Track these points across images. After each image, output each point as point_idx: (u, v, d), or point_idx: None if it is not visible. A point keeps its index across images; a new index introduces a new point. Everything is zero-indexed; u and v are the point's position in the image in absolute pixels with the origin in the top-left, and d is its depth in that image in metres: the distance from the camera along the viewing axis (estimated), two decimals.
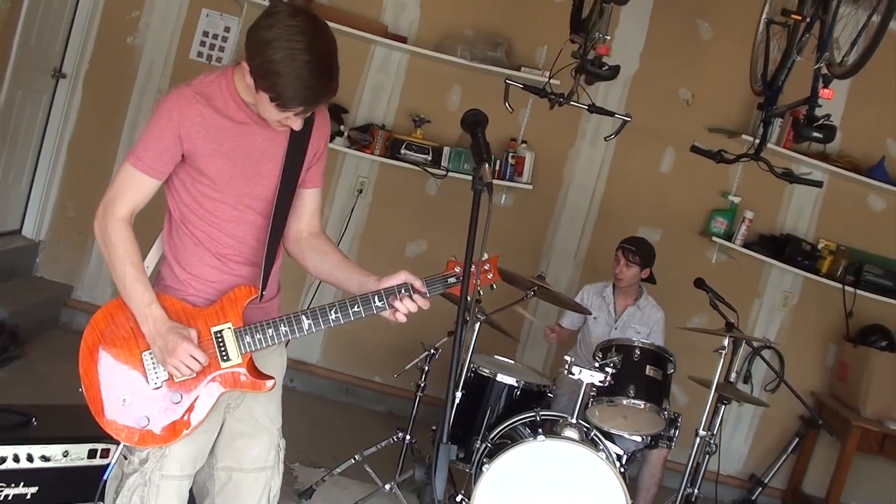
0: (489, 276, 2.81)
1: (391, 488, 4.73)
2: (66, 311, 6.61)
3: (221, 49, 6.48)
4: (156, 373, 2.70)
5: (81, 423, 3.24)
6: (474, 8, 6.47)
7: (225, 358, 2.71)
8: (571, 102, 4.83)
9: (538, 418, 4.52)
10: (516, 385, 4.80)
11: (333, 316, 2.70)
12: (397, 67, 6.52)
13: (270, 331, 2.71)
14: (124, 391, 2.70)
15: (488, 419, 4.72)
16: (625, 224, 6.40)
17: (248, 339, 2.71)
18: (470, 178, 6.20)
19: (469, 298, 2.50)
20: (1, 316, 5.59)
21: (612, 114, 4.87)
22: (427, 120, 6.35)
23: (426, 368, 4.91)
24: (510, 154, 6.34)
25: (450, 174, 6.30)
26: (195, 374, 2.67)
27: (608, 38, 4.32)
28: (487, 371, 4.81)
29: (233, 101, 2.69)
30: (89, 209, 6.31)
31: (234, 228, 2.77)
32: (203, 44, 6.50)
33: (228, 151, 2.69)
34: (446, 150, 6.29)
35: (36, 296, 6.37)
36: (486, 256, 2.80)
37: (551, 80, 4.99)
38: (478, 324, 4.60)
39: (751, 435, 6.81)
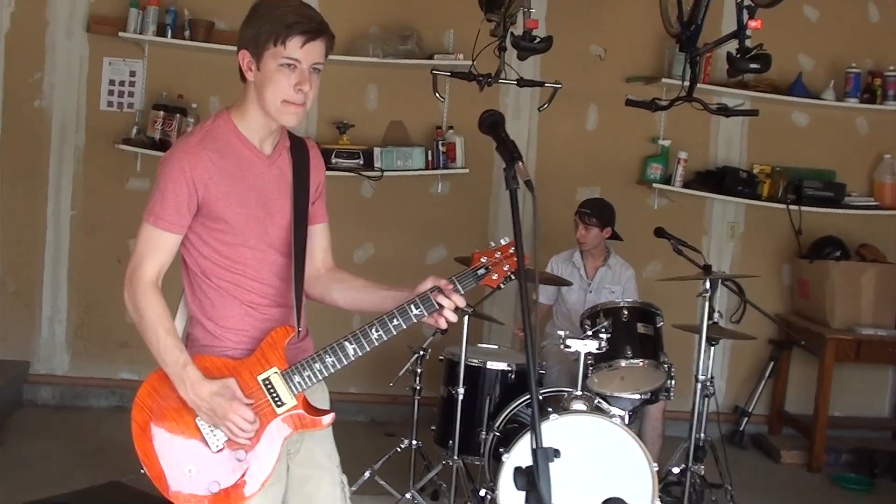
0: (515, 259, 2.78)
1: (412, 496, 4.83)
2: (28, 387, 6.66)
3: (131, 94, 6.54)
4: (214, 436, 2.69)
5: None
6: (375, 4, 6.59)
7: (279, 403, 2.71)
8: (500, 80, 4.94)
9: (539, 397, 4.57)
10: (509, 369, 4.92)
11: (376, 335, 2.68)
12: None
13: (317, 365, 2.71)
14: (188, 461, 2.70)
15: (488, 409, 4.82)
16: (563, 188, 6.61)
17: (297, 378, 2.71)
18: (405, 173, 6.40)
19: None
20: None
21: (542, 84, 5.01)
22: (351, 124, 6.47)
23: (418, 370, 4.99)
24: (440, 142, 6.47)
25: (385, 174, 6.39)
26: (254, 431, 2.67)
27: (533, 10, 4.42)
28: (476, 361, 4.92)
29: (237, 140, 2.73)
30: (30, 280, 6.36)
31: (258, 271, 2.77)
32: (111, 92, 6.56)
33: (241, 193, 2.72)
34: (377, 150, 6.42)
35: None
36: (504, 242, 2.82)
37: (474, 63, 5.08)
38: (466, 317, 4.67)
39: (725, 368, 7.04)
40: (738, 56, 3.96)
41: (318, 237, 2.96)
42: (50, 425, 6.17)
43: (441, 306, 2.70)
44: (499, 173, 6.64)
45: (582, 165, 6.79)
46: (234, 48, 6.19)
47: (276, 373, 2.71)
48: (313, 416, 2.75)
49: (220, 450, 2.69)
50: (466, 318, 4.69)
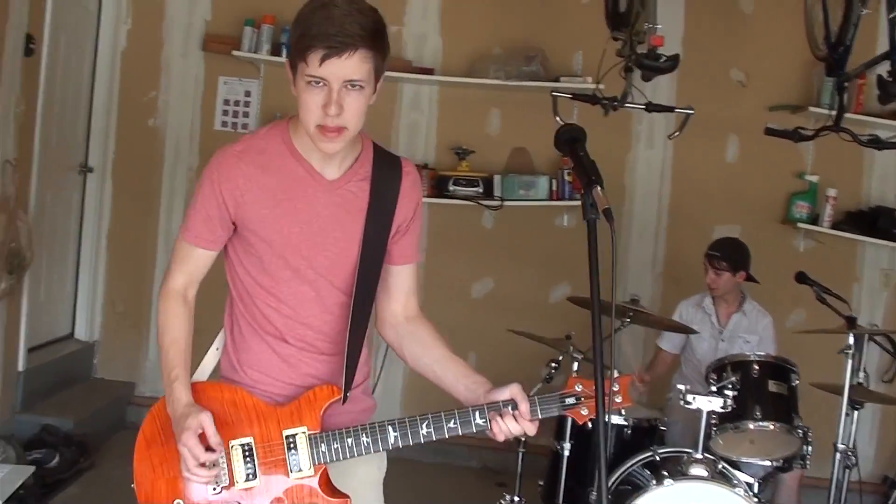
0: (617, 400, 2.42)
1: None
2: (132, 409, 6.61)
3: (245, 115, 6.45)
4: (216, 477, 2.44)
5: None
6: (498, 25, 6.39)
7: (296, 468, 2.42)
8: (627, 104, 4.61)
9: (657, 458, 4.27)
10: (625, 424, 4.58)
11: (425, 431, 2.38)
12: (429, 101, 6.44)
13: (350, 440, 2.41)
14: (179, 493, 2.44)
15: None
16: (699, 225, 6.23)
17: (323, 448, 2.42)
18: (527, 203, 6.11)
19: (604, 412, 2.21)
20: (66, 428, 5.60)
21: (671, 109, 4.68)
22: (471, 150, 6.24)
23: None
24: (565, 171, 6.15)
25: (505, 203, 6.09)
26: (206, 474, 2.35)
27: (659, 27, 4.09)
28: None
29: (290, 155, 2.45)
30: (139, 301, 6.31)
31: (296, 310, 2.50)
32: (226, 112, 6.49)
33: (283, 215, 2.44)
34: (497, 178, 6.19)
35: (99, 399, 6.40)
36: (616, 374, 2.43)
37: (599, 85, 4.75)
38: (575, 363, 4.37)
39: (875, 434, 6.49)
40: (891, 79, 3.54)
41: (401, 278, 2.63)
42: None
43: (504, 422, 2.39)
44: (630, 205, 6.34)
45: (720, 201, 6.38)
46: None
47: (303, 433, 2.44)
48: (326, 498, 2.43)
49: (218, 492, 2.42)
50: (576, 364, 4.34)
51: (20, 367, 5.60)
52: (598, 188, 2.13)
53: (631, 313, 4.43)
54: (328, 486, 2.44)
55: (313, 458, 2.41)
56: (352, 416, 2.50)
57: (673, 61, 4.18)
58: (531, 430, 2.38)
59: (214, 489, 2.41)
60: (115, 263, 6.63)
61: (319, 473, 2.42)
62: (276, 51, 6.18)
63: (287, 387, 2.50)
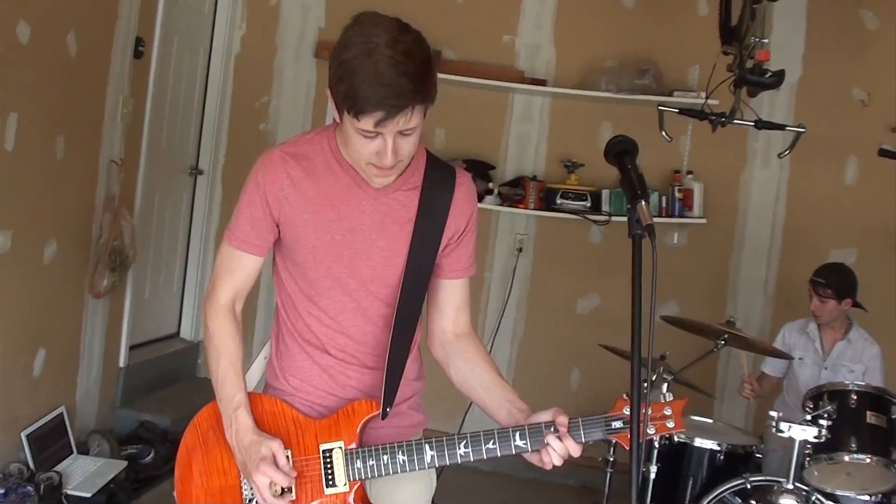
0: (668, 425, 2.31)
1: None
2: None
3: None
4: (250, 489, 2.42)
5: None
6: (613, 36, 6.30)
7: (330, 483, 2.37)
8: (735, 121, 4.50)
9: (748, 485, 4.17)
10: (718, 449, 4.47)
11: (462, 451, 2.32)
12: (540, 112, 6.38)
13: (386, 457, 2.35)
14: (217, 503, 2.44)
15: (691, 490, 4.43)
16: (814, 248, 6.04)
17: (358, 464, 2.36)
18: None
19: (640, 440, 2.04)
20: (163, 425, 5.69)
21: (782, 127, 4.54)
22: (580, 163, 6.17)
23: (613, 441, 4.55)
24: (676, 188, 6.05)
25: (613, 219, 6.01)
26: (278, 502, 2.33)
27: (766, 41, 3.98)
28: (683, 436, 4.50)
29: (334, 161, 2.38)
30: (245, 303, 6.33)
31: (336, 318, 2.45)
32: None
33: (326, 223, 2.38)
34: (605, 192, 6.11)
35: (200, 398, 6.28)
36: (669, 398, 2.34)
37: (709, 100, 4.65)
38: (665, 384, 4.27)
39: None
40: None
41: (451, 293, 2.55)
42: None
43: (548, 444, 2.29)
44: (743, 226, 6.19)
45: (837, 224, 6.19)
46: (462, 79, 6.00)
47: (340, 448, 2.39)
48: None
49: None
50: (665, 385, 4.27)
51: (121, 363, 5.72)
52: (643, 203, 2.08)
53: (725, 335, 4.30)
54: (363, 501, 2.39)
55: (348, 474, 2.36)
56: (397, 430, 2.46)
57: (778, 77, 4.05)
58: (575, 450, 2.28)
59: (250, 500, 2.40)
60: (211, 266, 6.64)
61: (354, 489, 2.37)
62: None
63: (328, 397, 2.47)
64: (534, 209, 6.12)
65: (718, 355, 6.14)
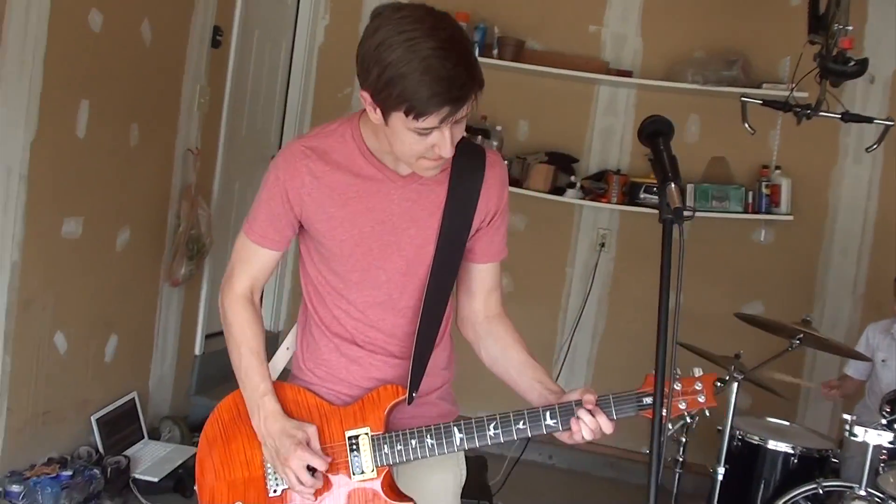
0: (699, 400, 2.24)
1: None
2: None
3: None
4: (276, 479, 2.39)
5: None
6: (702, 26, 6.15)
7: (358, 470, 2.33)
8: (820, 113, 4.32)
9: (820, 490, 4.04)
10: (792, 452, 4.35)
11: (492, 432, 2.26)
12: (625, 105, 6.25)
13: (414, 442, 2.30)
14: (240, 495, 2.40)
15: (763, 493, 4.31)
16: None
17: (386, 449, 2.32)
18: (720, 215, 5.85)
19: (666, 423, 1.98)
20: None
21: (869, 120, 4.38)
22: None
23: (683, 440, 4.45)
24: (763, 183, 5.88)
25: (696, 214, 5.82)
26: (314, 487, 2.31)
27: (850, 28, 3.81)
28: (757, 438, 4.40)
29: (358, 153, 2.32)
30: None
31: (365, 313, 2.39)
32: None
33: (353, 215, 2.31)
34: (689, 187, 5.93)
35: None
36: (699, 373, 2.26)
37: (797, 92, 4.48)
38: (735, 384, 4.12)
39: None
40: None
41: (484, 276, 2.49)
42: None
43: (579, 417, 2.22)
44: (833, 223, 5.99)
45: None
46: (547, 69, 5.89)
47: (366, 434, 2.34)
48: (389, 501, 2.32)
49: (277, 495, 2.37)
50: (736, 385, 4.12)
51: (197, 351, 5.79)
52: (673, 185, 2.02)
53: (800, 335, 4.15)
54: (392, 488, 2.35)
55: (375, 460, 2.32)
56: (425, 420, 2.37)
57: (861, 66, 3.89)
58: (607, 426, 2.20)
59: (275, 490, 2.37)
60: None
61: (382, 475, 2.32)
62: None
63: (353, 388, 2.41)
64: (616, 203, 6.00)
65: (804, 357, 5.98)
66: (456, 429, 2.28)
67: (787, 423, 4.82)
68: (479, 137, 6.09)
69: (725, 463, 4.24)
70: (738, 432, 4.41)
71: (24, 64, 4.00)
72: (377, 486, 2.32)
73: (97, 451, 4.58)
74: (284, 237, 2.39)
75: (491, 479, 5.26)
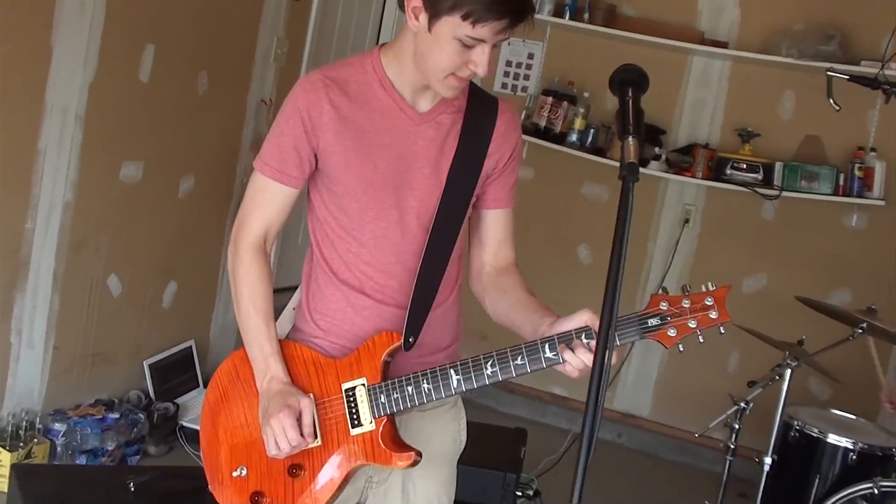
0: (711, 316, 2.07)
1: None
2: None
3: (526, 77, 6.32)
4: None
5: None
6: None
7: (356, 422, 2.26)
8: None
9: (876, 490, 3.85)
10: (851, 447, 4.13)
11: (490, 371, 2.13)
12: (719, 77, 6.02)
13: (410, 388, 2.21)
14: (242, 459, 2.35)
15: (817, 488, 4.11)
16: None
17: (382, 399, 2.23)
18: (809, 196, 5.59)
19: (613, 346, 1.76)
20: None
21: None
22: (756, 133, 5.79)
23: (736, 426, 4.25)
24: (856, 165, 5.56)
25: (783, 193, 5.59)
26: (283, 455, 2.26)
27: None
28: (817, 430, 4.19)
29: (379, 85, 2.27)
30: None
31: (376, 256, 2.30)
32: (507, 74, 6.38)
33: (369, 149, 2.26)
34: (778, 165, 5.68)
35: None
36: (711, 287, 2.10)
37: (886, 69, 4.21)
38: (788, 370, 3.92)
39: None
40: None
41: (494, 224, 2.44)
42: None
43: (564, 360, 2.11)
44: None
45: None
46: (639, 36, 5.66)
47: (363, 385, 2.26)
48: (389, 451, 2.23)
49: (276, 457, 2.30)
50: (790, 372, 3.91)
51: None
52: (631, 139, 1.88)
53: (863, 324, 3.91)
54: (393, 440, 2.25)
55: (373, 411, 2.23)
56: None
57: None
58: (590, 360, 2.03)
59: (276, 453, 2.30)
60: None
61: (381, 426, 2.23)
62: (558, 11, 5.95)
63: (358, 340, 2.31)
64: (701, 178, 5.78)
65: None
66: (452, 370, 2.18)
67: (854, 418, 4.58)
68: (565, 103, 5.95)
69: (783, 454, 4.11)
70: (797, 423, 4.23)
71: (85, 4, 4.01)
72: (378, 437, 2.24)
73: (147, 396, 4.62)
74: (302, 172, 2.30)
75: (550, 453, 5.16)
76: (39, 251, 4.13)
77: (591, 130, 5.97)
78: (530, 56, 6.29)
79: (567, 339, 2.09)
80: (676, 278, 6.10)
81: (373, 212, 2.28)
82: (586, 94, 6.02)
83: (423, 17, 2.10)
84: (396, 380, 2.23)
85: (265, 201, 2.34)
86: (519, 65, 6.32)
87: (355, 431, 2.25)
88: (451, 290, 2.41)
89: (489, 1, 2.01)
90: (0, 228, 3.99)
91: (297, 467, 2.29)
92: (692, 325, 2.05)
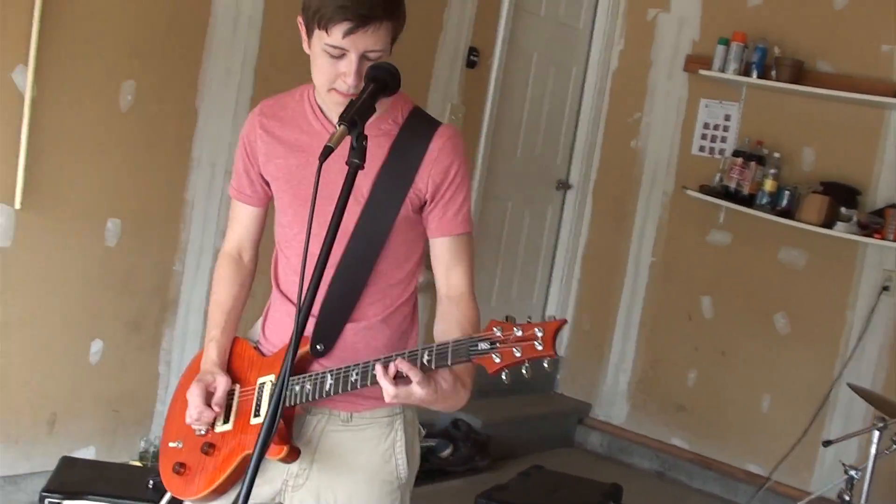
0: (536, 347, 1.97)
1: None
2: (582, 429, 6.72)
3: (723, 140, 6.22)
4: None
5: None
6: None
7: (257, 413, 2.44)
8: None
9: None
10: None
11: (354, 377, 2.20)
12: None
13: (298, 387, 2.31)
14: (182, 434, 2.58)
15: None
16: None
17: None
18: None
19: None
20: (475, 425, 5.88)
21: None
22: None
23: (847, 498, 3.88)
24: None
25: None
26: (200, 425, 2.49)
27: None
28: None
29: (309, 109, 2.46)
30: (604, 321, 6.35)
31: (299, 265, 2.34)
32: (704, 136, 6.31)
33: (296, 169, 2.43)
34: None
35: (535, 409, 6.47)
36: (552, 317, 2.04)
37: None
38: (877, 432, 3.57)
39: None
40: None
41: (440, 252, 2.46)
42: (591, 470, 5.78)
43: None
44: None
45: None
46: (828, 92, 5.46)
47: (271, 381, 2.44)
48: (272, 444, 2.31)
49: (202, 434, 2.51)
50: (878, 433, 3.54)
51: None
52: (340, 127, 2.05)
53: None
54: (278, 434, 2.33)
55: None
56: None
57: None
58: (389, 388, 2.08)
59: (199, 432, 2.52)
60: (586, 280, 6.83)
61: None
62: (745, 70, 5.79)
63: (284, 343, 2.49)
64: (892, 240, 5.34)
65: None
66: (329, 375, 2.26)
67: None
68: (753, 164, 5.75)
69: None
70: None
71: (231, 70, 4.41)
72: None
73: None
74: (256, 193, 2.57)
75: None
76: (189, 290, 4.65)
77: (786, 192, 5.70)
78: (727, 118, 6.14)
79: (387, 362, 2.13)
80: (877, 351, 5.65)
81: (297, 227, 2.45)
82: (777, 154, 5.79)
83: (305, 38, 2.30)
84: (295, 377, 2.35)
85: (234, 218, 2.66)
86: (716, 127, 6.20)
87: (254, 421, 2.43)
88: (379, 312, 2.46)
89: (336, 5, 2.15)
90: (152, 269, 4.53)
91: (210, 445, 2.50)
92: (517, 353, 1.99)
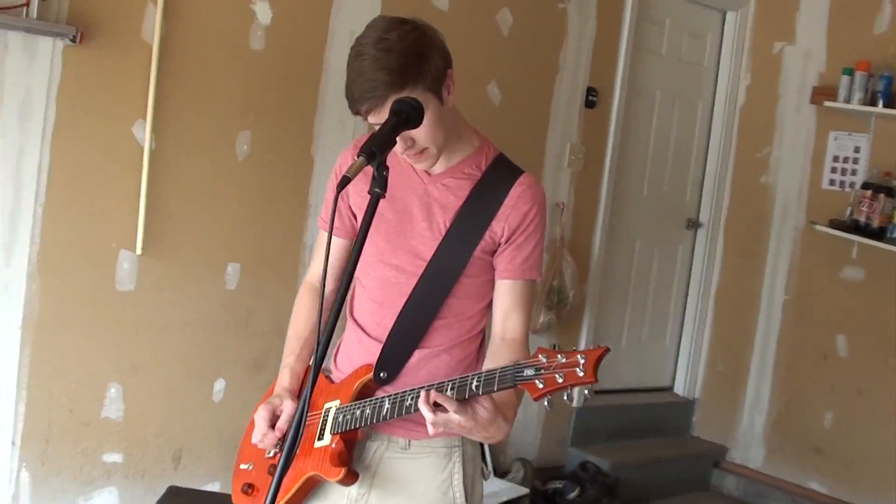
0: (578, 374, 2.04)
1: None
2: (718, 473, 6.57)
3: (853, 172, 6.07)
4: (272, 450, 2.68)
5: None
6: None
7: (321, 437, 2.51)
8: None
9: None
10: None
11: (409, 401, 2.30)
12: None
13: (358, 411, 2.43)
14: (253, 456, 2.68)
15: None
16: None
17: (341, 418, 2.47)
18: None
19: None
20: (603, 467, 5.84)
21: None
22: None
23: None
24: None
25: None
26: (266, 445, 2.58)
27: None
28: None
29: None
30: (739, 362, 6.29)
31: (376, 293, 2.57)
32: (834, 170, 6.18)
33: (383, 203, 2.43)
34: None
35: (660, 451, 6.39)
36: (586, 346, 2.19)
37: None
38: None
39: None
40: None
41: (501, 294, 2.53)
42: None
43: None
44: None
45: None
46: None
47: (336, 406, 2.51)
48: (331, 466, 2.42)
49: (270, 457, 2.60)
50: None
51: (575, 403, 5.86)
52: (360, 158, 2.12)
53: None
54: (339, 455, 2.43)
55: (333, 428, 2.47)
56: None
57: None
58: (429, 415, 2.16)
59: (268, 454, 2.62)
60: (720, 321, 6.71)
61: (335, 442, 2.45)
62: (871, 100, 5.63)
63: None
64: None
65: None
66: (387, 400, 2.37)
67: None
68: (882, 196, 5.56)
69: None
70: None
71: (345, 122, 4.61)
72: (329, 451, 2.47)
73: None
74: (343, 224, 2.66)
75: None
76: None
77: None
78: (856, 150, 5.98)
79: (432, 388, 2.22)
80: None
81: (375, 258, 2.55)
82: None
83: None
84: (355, 404, 2.47)
85: (319, 249, 2.83)
86: (846, 160, 6.04)
87: (318, 444, 2.51)
88: (445, 342, 2.55)
89: (350, 97, 2.32)
90: (271, 310, 4.66)
91: (276, 467, 2.55)
92: (560, 379, 2.06)
